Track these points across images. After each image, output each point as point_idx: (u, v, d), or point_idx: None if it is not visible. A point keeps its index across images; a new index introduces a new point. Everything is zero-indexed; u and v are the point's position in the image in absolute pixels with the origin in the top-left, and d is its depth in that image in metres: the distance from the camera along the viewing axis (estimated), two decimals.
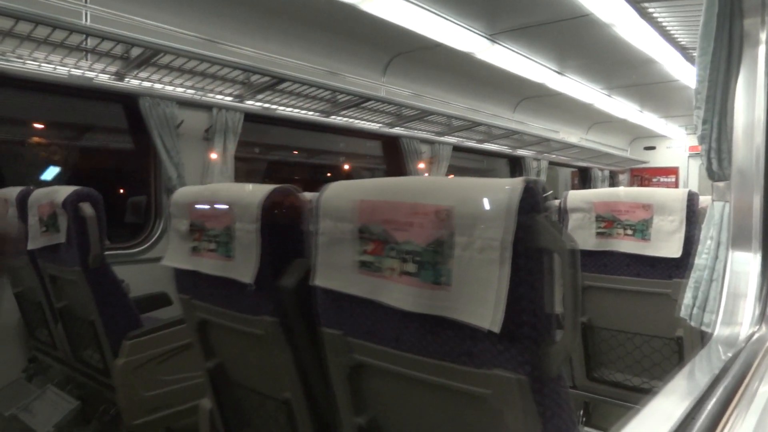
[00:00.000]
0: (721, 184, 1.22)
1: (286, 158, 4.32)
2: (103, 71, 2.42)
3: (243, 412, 1.34)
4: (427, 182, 0.90)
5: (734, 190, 1.20)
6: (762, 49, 1.17)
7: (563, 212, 1.92)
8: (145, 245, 2.71)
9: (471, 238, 0.77)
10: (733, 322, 1.13)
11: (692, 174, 7.45)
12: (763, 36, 1.17)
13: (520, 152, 5.37)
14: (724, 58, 1.16)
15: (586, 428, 1.93)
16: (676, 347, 1.73)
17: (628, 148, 7.87)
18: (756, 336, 1.06)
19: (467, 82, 4.43)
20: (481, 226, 0.76)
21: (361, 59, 3.64)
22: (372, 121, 3.75)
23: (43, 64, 2.27)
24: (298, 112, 3.28)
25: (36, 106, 2.68)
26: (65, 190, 1.83)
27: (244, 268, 1.11)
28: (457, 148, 4.54)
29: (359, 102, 3.27)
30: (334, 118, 3.49)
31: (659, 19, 3.07)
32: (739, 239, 1.19)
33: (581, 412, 1.96)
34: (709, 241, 1.23)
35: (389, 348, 0.91)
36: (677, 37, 3.37)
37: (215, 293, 1.24)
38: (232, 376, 1.33)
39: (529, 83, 4.39)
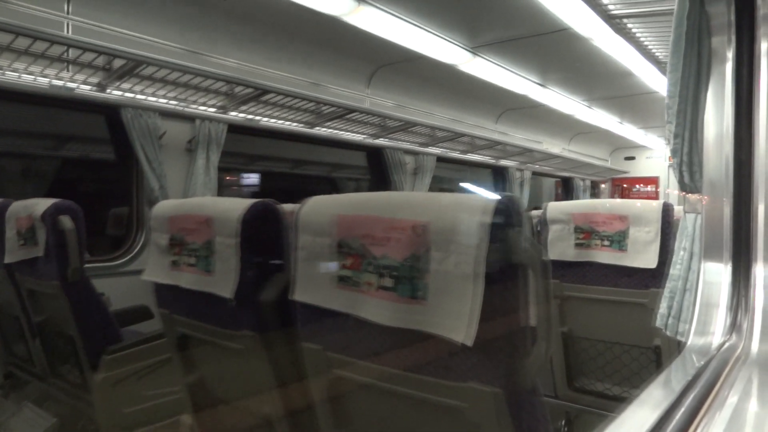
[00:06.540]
0: (693, 196, 1.26)
1: (270, 169, 4.31)
2: (84, 82, 2.40)
3: (223, 428, 1.33)
4: (404, 197, 0.91)
5: (705, 201, 1.23)
6: (729, 66, 1.21)
7: (543, 224, 1.95)
8: (127, 258, 2.68)
9: (446, 253, 0.78)
10: (706, 332, 1.15)
11: (672, 184, 7.58)
12: (729, 54, 1.21)
13: (504, 163, 5.43)
14: (693, 75, 1.20)
15: None
16: (654, 356, 1.76)
17: (609, 159, 8.01)
18: (726, 345, 1.08)
19: (450, 94, 4.48)
20: (455, 241, 0.78)
21: (345, 71, 3.67)
22: (356, 132, 3.77)
23: (23, 75, 2.25)
24: (282, 124, 3.28)
25: (16, 116, 2.65)
26: (44, 203, 1.80)
27: (223, 283, 1.11)
28: (441, 159, 4.58)
29: (343, 113, 3.29)
30: (319, 130, 3.50)
31: (636, 34, 3.15)
32: (710, 250, 1.22)
33: (563, 422, 1.98)
34: (682, 252, 1.26)
35: (368, 362, 0.91)
36: (653, 51, 3.46)
37: (195, 308, 1.23)
38: (212, 391, 1.31)
39: (511, 95, 4.45)
